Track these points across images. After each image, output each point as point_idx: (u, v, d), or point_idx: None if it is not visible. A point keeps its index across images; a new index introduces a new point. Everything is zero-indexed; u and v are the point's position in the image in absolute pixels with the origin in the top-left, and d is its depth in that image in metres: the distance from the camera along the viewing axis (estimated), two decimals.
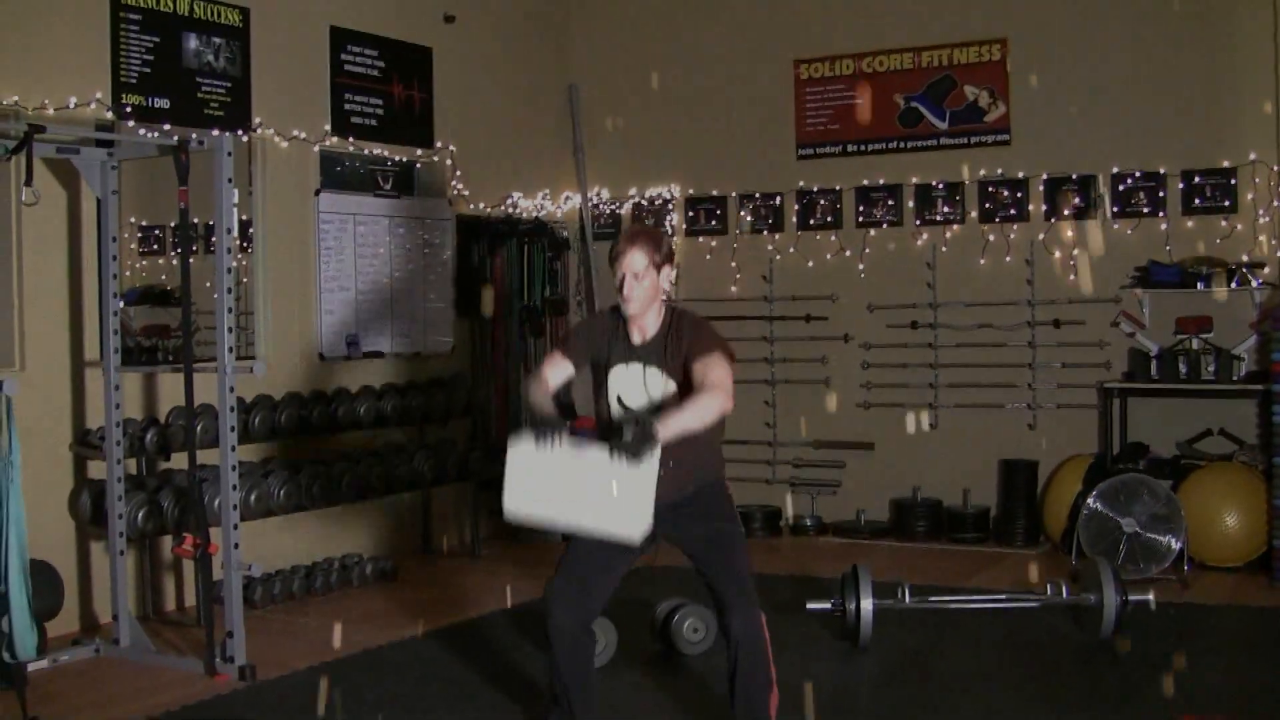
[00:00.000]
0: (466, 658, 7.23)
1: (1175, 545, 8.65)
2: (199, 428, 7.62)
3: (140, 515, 7.64)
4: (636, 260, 5.37)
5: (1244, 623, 7.84)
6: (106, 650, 7.26)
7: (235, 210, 7.07)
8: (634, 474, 4.99)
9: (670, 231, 11.29)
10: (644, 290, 5.37)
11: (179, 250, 7.25)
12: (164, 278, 8.75)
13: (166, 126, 8.20)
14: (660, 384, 5.41)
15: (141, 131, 7.99)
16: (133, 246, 8.47)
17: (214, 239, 7.01)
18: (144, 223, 8.58)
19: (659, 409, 5.33)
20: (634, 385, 5.45)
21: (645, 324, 5.45)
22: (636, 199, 11.50)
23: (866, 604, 7.07)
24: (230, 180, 6.85)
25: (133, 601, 7.68)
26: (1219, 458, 9.34)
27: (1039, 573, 8.74)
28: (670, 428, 5.08)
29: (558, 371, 5.55)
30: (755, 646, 5.30)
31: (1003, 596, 7.78)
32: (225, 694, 6.58)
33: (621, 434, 5.12)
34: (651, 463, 5.01)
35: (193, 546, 7.00)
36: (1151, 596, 7.34)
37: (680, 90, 11.40)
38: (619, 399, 5.47)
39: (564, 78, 11.67)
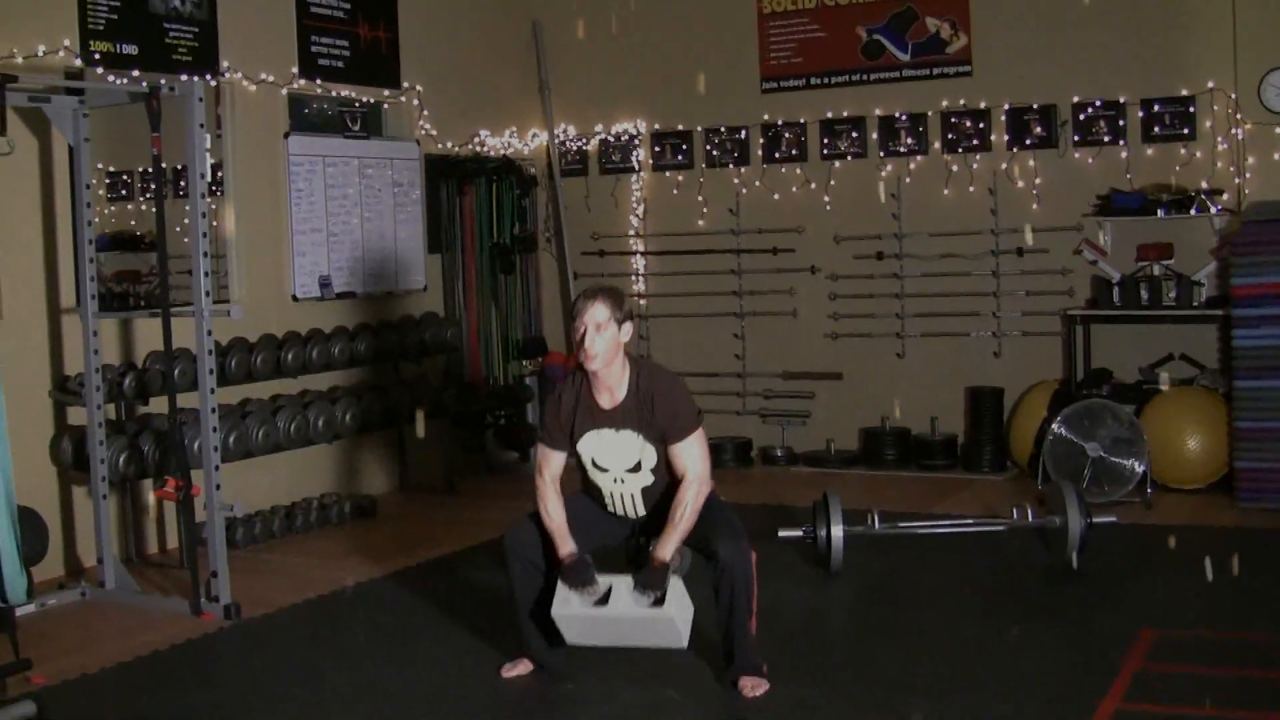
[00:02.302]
0: (447, 591, 7.36)
1: (1139, 468, 8.83)
2: (177, 372, 7.70)
3: (121, 460, 7.73)
4: (598, 312, 5.51)
5: (1206, 542, 8.00)
6: (92, 593, 7.37)
7: (207, 155, 7.12)
8: (673, 623, 5.42)
9: (637, 167, 11.37)
10: (605, 342, 5.49)
11: (153, 196, 7.30)
12: (133, 223, 8.79)
13: (135, 73, 8.22)
14: (638, 447, 5.59)
15: (111, 78, 8.01)
16: (101, 192, 8.50)
17: (183, 184, 7.07)
18: (112, 168, 8.61)
19: (638, 468, 5.59)
20: (608, 449, 5.62)
21: (611, 384, 5.58)
22: (603, 135, 11.55)
23: (837, 531, 7.23)
24: (202, 125, 6.89)
25: (116, 545, 7.78)
26: (1181, 382, 9.49)
27: (1006, 498, 8.89)
28: (669, 546, 5.43)
29: (553, 465, 5.72)
30: (743, 573, 5.50)
31: (970, 521, 7.95)
32: (212, 632, 6.71)
33: (638, 581, 5.45)
34: (674, 585, 5.40)
35: (175, 489, 7.11)
36: (1115, 518, 7.52)
37: (644, 26, 11.43)
38: (593, 461, 5.66)
39: (528, 15, 11.68)
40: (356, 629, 6.76)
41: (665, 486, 5.60)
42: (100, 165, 8.36)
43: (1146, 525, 8.31)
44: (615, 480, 5.64)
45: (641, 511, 5.70)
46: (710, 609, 5.61)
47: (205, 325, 6.94)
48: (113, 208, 8.74)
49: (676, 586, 5.40)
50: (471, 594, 7.30)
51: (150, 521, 8.41)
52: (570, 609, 5.48)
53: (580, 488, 5.82)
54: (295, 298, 9.45)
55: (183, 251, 7.35)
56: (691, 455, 5.52)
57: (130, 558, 8.13)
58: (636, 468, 5.59)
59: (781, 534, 7.47)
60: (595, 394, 5.60)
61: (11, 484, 5.98)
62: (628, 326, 5.57)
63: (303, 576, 7.78)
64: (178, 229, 7.94)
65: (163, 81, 7.14)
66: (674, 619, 5.37)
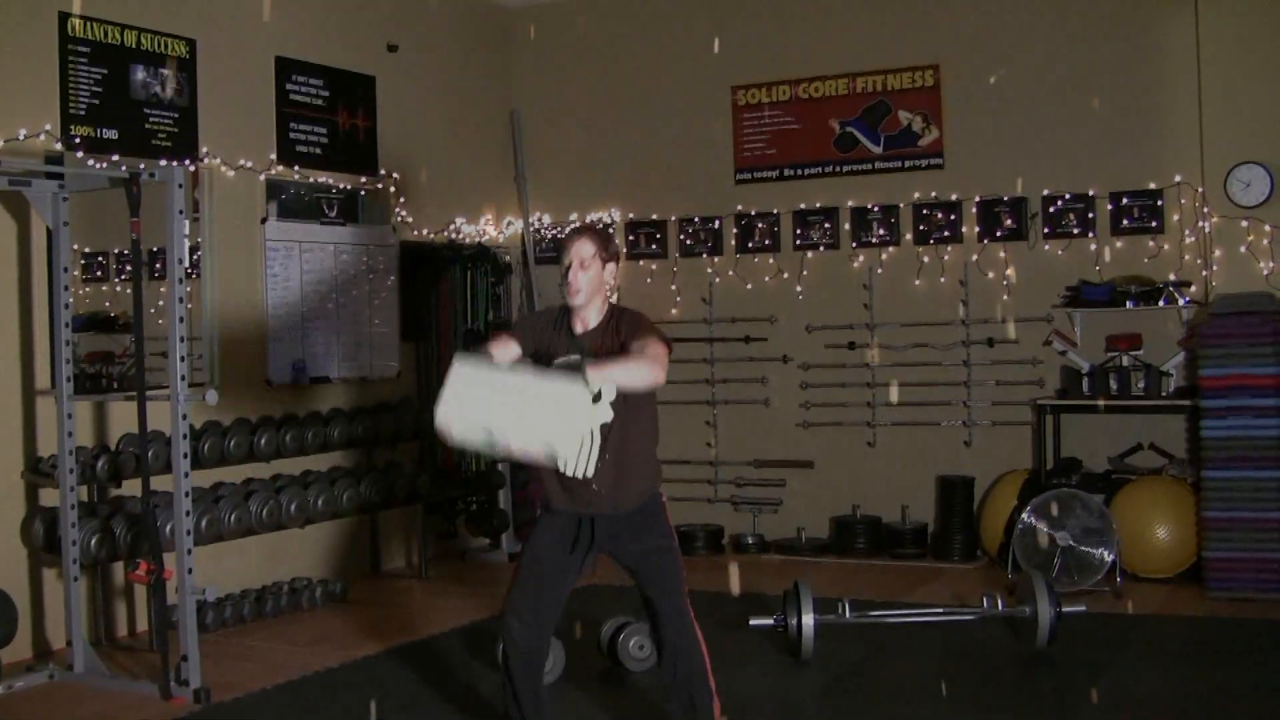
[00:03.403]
0: (418, 677, 7.34)
1: (1108, 558, 8.87)
2: (150, 454, 7.69)
3: (93, 542, 7.71)
4: (584, 248, 5.50)
5: (1176, 631, 8.05)
6: (61, 676, 7.32)
7: (185, 240, 7.14)
8: (570, 395, 5.03)
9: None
10: (589, 279, 5.48)
11: (131, 279, 7.32)
12: (108, 304, 8.81)
13: (115, 157, 8.29)
14: None
15: (90, 162, 8.07)
16: (76, 273, 8.52)
17: (159, 266, 7.08)
18: (87, 249, 8.64)
19: (598, 397, 5.28)
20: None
21: (587, 316, 5.55)
22: (578, 223, 11.64)
23: (808, 619, 7.24)
24: (181, 211, 6.93)
25: (86, 627, 7.73)
26: (1150, 472, 9.57)
27: (976, 587, 8.91)
28: (602, 371, 5.08)
29: (504, 350, 5.55)
30: (692, 656, 5.47)
31: (940, 610, 7.98)
32: (181, 717, 6.67)
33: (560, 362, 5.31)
34: (586, 395, 5.04)
35: (147, 572, 7.09)
36: (1084, 608, 7.55)
37: (620, 116, 11.57)
38: None
39: (506, 104, 11.82)
40: (326, 714, 6.73)
41: (623, 439, 5.42)
42: (76, 246, 8.38)
43: (1116, 615, 8.34)
44: None
45: (592, 468, 5.27)
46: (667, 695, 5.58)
47: (181, 409, 6.95)
48: (87, 288, 8.76)
49: (584, 399, 5.03)
50: (443, 680, 7.27)
51: (120, 604, 8.37)
52: (466, 371, 5.18)
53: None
54: (270, 382, 9.47)
55: (160, 334, 7.37)
56: (650, 344, 5.32)
57: (100, 640, 8.08)
58: (598, 396, 5.30)
59: (753, 622, 7.48)
60: (573, 323, 5.58)
61: None
62: (612, 267, 5.57)
63: (273, 661, 7.74)
64: (152, 311, 7.95)
65: (142, 167, 7.19)
66: (583, 398, 5.00)
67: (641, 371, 5.23)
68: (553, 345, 5.58)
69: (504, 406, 5.06)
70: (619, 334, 5.49)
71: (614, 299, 5.69)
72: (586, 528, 5.54)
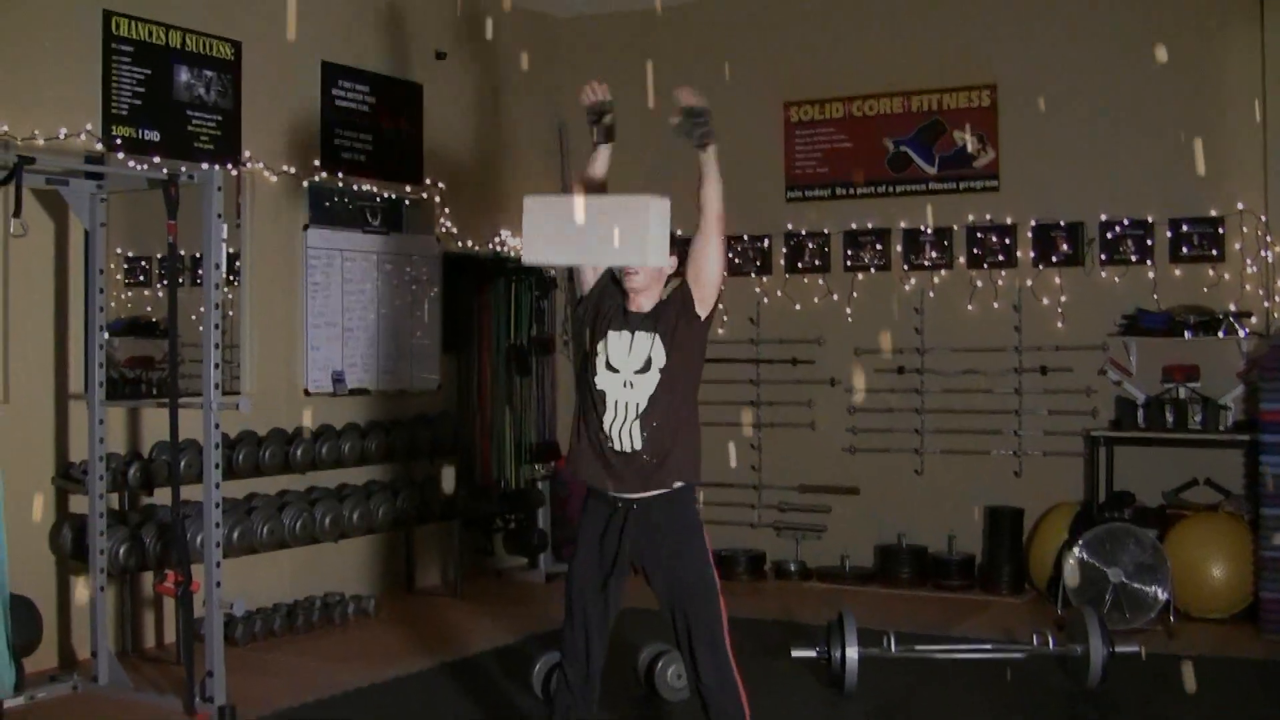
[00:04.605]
0: (450, 699, 7.20)
1: (1161, 595, 8.64)
2: (183, 463, 7.57)
3: (122, 550, 7.59)
4: None
5: (1230, 674, 7.82)
6: (85, 687, 7.19)
7: (224, 244, 7.03)
8: (647, 209, 5.32)
9: None
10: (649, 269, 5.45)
11: (166, 283, 7.21)
12: (149, 309, 8.71)
13: (156, 159, 8.20)
14: (648, 345, 5.44)
15: (131, 164, 7.97)
16: (118, 277, 8.44)
17: (200, 271, 6.98)
18: (130, 253, 8.55)
19: (647, 367, 5.42)
20: (623, 350, 5.48)
21: (643, 301, 5.52)
22: None
23: (852, 652, 7.04)
24: (220, 215, 6.82)
25: (112, 638, 7.60)
26: (1205, 507, 9.33)
27: (1024, 621, 8.69)
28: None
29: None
30: (726, 696, 5.27)
31: (989, 646, 7.75)
32: None
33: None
34: (662, 205, 5.40)
35: (175, 584, 6.95)
36: (1140, 648, 7.32)
37: (668, 129, 11.37)
38: (607, 362, 5.48)
39: (553, 115, 11.67)
40: None
41: (666, 408, 5.38)
42: (119, 250, 8.31)
43: (1169, 655, 8.10)
44: (624, 384, 5.42)
45: (639, 441, 5.35)
46: None
47: (213, 417, 6.81)
48: (130, 293, 8.66)
49: (661, 207, 5.41)
50: (476, 703, 7.13)
51: (149, 614, 8.24)
52: (539, 203, 5.38)
53: (578, 425, 5.56)
54: (308, 391, 9.35)
55: (197, 339, 7.25)
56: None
57: (126, 651, 7.96)
58: (646, 366, 5.40)
59: (795, 653, 7.28)
60: (628, 303, 5.54)
61: (5, 573, 5.85)
62: (673, 259, 5.55)
63: (302, 678, 7.60)
64: (193, 317, 7.83)
65: (182, 169, 7.08)
66: (649, 206, 5.30)
67: (720, 196, 5.79)
68: (612, 315, 5.54)
69: (577, 230, 5.30)
70: (671, 301, 5.51)
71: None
72: (617, 523, 5.38)
